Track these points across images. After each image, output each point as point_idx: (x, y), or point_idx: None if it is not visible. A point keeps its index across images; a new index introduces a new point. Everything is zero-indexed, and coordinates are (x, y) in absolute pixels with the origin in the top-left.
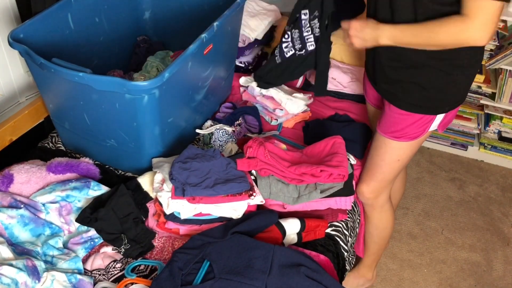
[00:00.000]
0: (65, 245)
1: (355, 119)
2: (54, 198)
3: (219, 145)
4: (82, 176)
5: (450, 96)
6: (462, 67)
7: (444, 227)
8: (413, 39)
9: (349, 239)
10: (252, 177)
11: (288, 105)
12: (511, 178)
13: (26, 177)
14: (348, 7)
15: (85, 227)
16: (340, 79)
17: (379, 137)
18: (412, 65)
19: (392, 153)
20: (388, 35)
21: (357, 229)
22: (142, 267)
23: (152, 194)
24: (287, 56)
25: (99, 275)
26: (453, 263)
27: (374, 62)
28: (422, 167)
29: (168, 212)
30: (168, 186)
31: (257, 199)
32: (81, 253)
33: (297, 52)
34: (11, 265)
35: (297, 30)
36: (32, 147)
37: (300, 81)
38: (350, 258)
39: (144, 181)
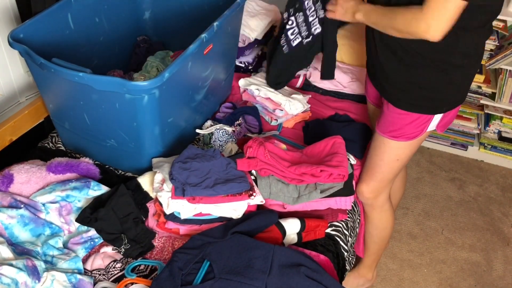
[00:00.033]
0: (65, 245)
1: (355, 119)
2: (54, 198)
3: (219, 145)
4: (82, 176)
5: (447, 96)
6: (457, 66)
7: (444, 227)
8: (379, 19)
9: (349, 239)
10: (252, 177)
11: (287, 107)
12: (511, 178)
13: (26, 177)
14: None
15: (85, 227)
16: (340, 79)
17: (378, 137)
18: (409, 64)
19: (391, 153)
20: (364, 11)
21: (357, 229)
22: (142, 267)
23: (152, 194)
24: (293, 45)
25: (99, 275)
26: (453, 263)
27: (374, 60)
28: (422, 167)
29: (168, 212)
30: (168, 186)
31: (257, 199)
32: (81, 253)
33: (304, 40)
34: (11, 265)
35: (301, 13)
36: (32, 147)
37: (300, 81)
38: (350, 258)
39: (144, 181)
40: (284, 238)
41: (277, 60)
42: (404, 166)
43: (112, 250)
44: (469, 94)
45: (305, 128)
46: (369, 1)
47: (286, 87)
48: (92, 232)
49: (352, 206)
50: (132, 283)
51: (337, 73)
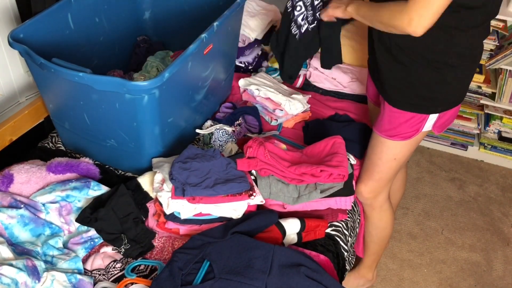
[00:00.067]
0: (65, 245)
1: (355, 119)
2: (54, 198)
3: (219, 145)
4: (82, 176)
5: (442, 96)
6: (452, 66)
7: (444, 227)
8: (366, 12)
9: (349, 239)
10: (252, 177)
11: (287, 107)
12: (511, 178)
13: (26, 177)
14: None
15: (85, 227)
16: (340, 79)
17: (375, 136)
18: (404, 63)
19: (388, 152)
20: (355, 5)
21: (357, 229)
22: (142, 267)
23: (152, 194)
24: (302, 31)
25: (99, 275)
26: (453, 263)
27: (372, 58)
28: (422, 167)
29: (168, 212)
30: (168, 186)
31: (257, 199)
32: (81, 253)
33: (309, 26)
34: (11, 265)
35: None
36: (32, 147)
37: (300, 81)
38: (350, 258)
39: (144, 181)
40: (284, 238)
41: (291, 48)
42: (403, 166)
43: (112, 250)
44: (469, 94)
45: (305, 128)
46: None
47: (286, 87)
48: (92, 232)
49: (352, 206)
50: (132, 283)
51: (337, 73)
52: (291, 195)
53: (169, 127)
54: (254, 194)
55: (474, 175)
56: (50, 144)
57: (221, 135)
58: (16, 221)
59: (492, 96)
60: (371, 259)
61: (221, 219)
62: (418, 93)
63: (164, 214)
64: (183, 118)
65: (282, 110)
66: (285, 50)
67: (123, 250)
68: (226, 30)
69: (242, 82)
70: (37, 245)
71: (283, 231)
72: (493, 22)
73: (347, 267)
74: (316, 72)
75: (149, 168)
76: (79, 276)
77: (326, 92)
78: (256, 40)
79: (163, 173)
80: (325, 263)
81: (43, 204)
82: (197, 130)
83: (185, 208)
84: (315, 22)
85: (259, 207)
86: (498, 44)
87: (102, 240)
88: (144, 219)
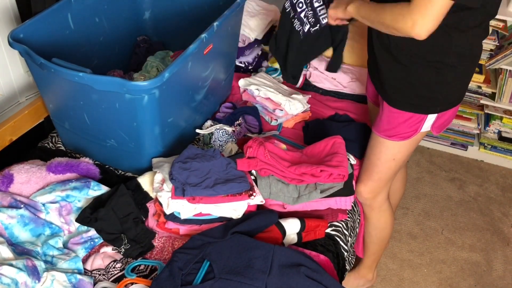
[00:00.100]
0: (65, 245)
1: (355, 119)
2: (54, 198)
3: (219, 145)
4: (82, 176)
5: (441, 96)
6: (452, 66)
7: (444, 227)
8: (368, 13)
9: (349, 239)
10: (252, 177)
11: (287, 107)
12: (511, 178)
13: (26, 177)
14: None
15: (85, 227)
16: (340, 79)
17: (374, 136)
18: (403, 63)
19: (387, 152)
20: (356, 5)
21: (357, 229)
22: (142, 267)
23: (152, 194)
24: (305, 30)
25: (99, 275)
26: (453, 263)
27: (372, 58)
28: (422, 167)
29: (168, 212)
30: (168, 186)
31: (257, 199)
32: (81, 253)
33: (311, 28)
34: (11, 265)
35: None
36: (32, 147)
37: (300, 81)
38: (350, 258)
39: (144, 181)
40: (284, 238)
41: (294, 47)
42: (403, 166)
43: (112, 250)
44: (469, 94)
45: (305, 128)
46: None
47: (286, 87)
48: (92, 232)
49: (352, 206)
50: (132, 283)
51: (337, 73)
52: (291, 195)
53: (169, 127)
54: (254, 194)
55: (474, 175)
56: (50, 144)
57: (221, 135)
58: (16, 221)
59: (492, 96)
60: (371, 259)
61: (221, 219)
62: (418, 93)
63: (164, 214)
64: (183, 118)
65: (282, 110)
66: (288, 51)
67: (123, 250)
68: (226, 30)
69: (242, 82)
70: (37, 245)
71: (283, 231)
72: (493, 22)
73: (347, 267)
74: (316, 72)
75: (149, 168)
76: (79, 276)
77: (326, 92)
78: (256, 40)
79: (163, 173)
80: (325, 263)
81: (43, 204)
82: (197, 130)
83: (185, 208)
84: (318, 25)
85: (259, 207)
86: (498, 44)
87: (102, 240)
88: (144, 219)
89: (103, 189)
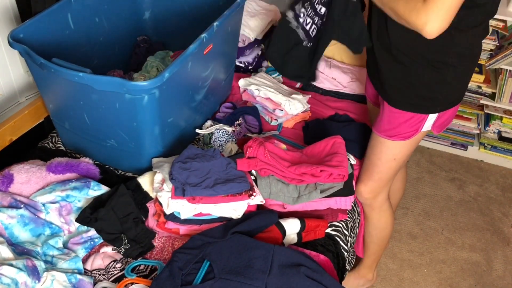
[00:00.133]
0: (65, 245)
1: (355, 119)
2: (54, 198)
3: (219, 145)
4: (82, 176)
5: (441, 96)
6: (452, 66)
7: (444, 227)
8: (390, 1)
9: (349, 239)
10: (252, 177)
11: (287, 107)
12: (511, 178)
13: (26, 177)
14: None
15: (85, 227)
16: (340, 79)
17: (375, 136)
18: (403, 63)
19: (387, 152)
20: None
21: (357, 229)
22: (142, 267)
23: (152, 194)
24: (313, 35)
25: (99, 275)
26: (453, 263)
27: (371, 58)
28: (422, 167)
29: (168, 212)
30: (168, 186)
31: (257, 199)
32: (81, 253)
33: (321, 27)
34: (11, 265)
35: (308, 2)
36: (32, 147)
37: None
38: (350, 258)
39: (144, 181)
40: (284, 238)
41: (300, 57)
42: (403, 166)
43: (112, 250)
44: (469, 94)
45: (305, 128)
46: None
47: (286, 87)
48: (92, 232)
49: (352, 206)
50: (132, 283)
51: (337, 73)
52: (291, 195)
53: (169, 127)
54: (254, 194)
55: (474, 175)
56: (50, 144)
57: (221, 135)
58: (16, 221)
59: (492, 96)
60: (371, 259)
61: (221, 219)
62: (418, 93)
63: (164, 214)
64: (183, 118)
65: (282, 110)
66: (289, 56)
67: (123, 250)
68: (226, 30)
69: (242, 82)
70: (37, 245)
71: (283, 231)
72: (493, 22)
73: (347, 267)
74: (315, 72)
75: (149, 168)
76: (79, 276)
77: (326, 92)
78: (256, 40)
79: (163, 173)
80: (325, 263)
81: (43, 204)
82: (197, 130)
83: (185, 208)
84: (321, 18)
85: (259, 207)
86: (498, 44)
87: (102, 240)
88: (144, 219)
89: (103, 189)
